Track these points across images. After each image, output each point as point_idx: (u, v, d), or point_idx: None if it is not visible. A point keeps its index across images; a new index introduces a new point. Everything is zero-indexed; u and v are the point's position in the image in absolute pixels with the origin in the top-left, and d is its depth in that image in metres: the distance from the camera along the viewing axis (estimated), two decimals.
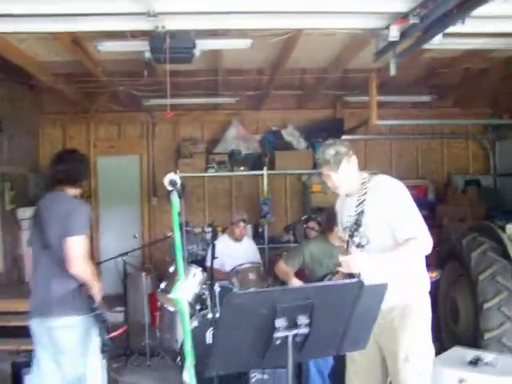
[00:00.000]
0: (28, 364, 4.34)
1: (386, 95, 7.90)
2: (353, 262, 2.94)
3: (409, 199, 3.11)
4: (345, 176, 3.16)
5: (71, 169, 3.77)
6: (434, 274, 4.56)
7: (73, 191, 3.78)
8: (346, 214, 3.28)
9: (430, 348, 3.16)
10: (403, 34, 4.18)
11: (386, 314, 3.09)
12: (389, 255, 3.03)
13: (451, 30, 3.95)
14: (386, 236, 3.08)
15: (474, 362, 2.25)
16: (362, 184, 3.21)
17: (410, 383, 3.04)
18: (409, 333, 3.09)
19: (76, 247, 3.46)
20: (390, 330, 3.13)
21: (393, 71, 4.80)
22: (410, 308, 3.12)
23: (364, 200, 3.14)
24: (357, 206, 3.16)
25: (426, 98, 8.47)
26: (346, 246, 3.05)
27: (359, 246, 3.10)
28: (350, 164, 3.19)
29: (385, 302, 3.01)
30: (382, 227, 3.08)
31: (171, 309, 5.31)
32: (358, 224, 3.11)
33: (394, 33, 4.17)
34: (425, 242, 3.02)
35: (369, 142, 9.08)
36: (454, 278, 5.43)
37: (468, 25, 3.82)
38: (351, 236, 3.11)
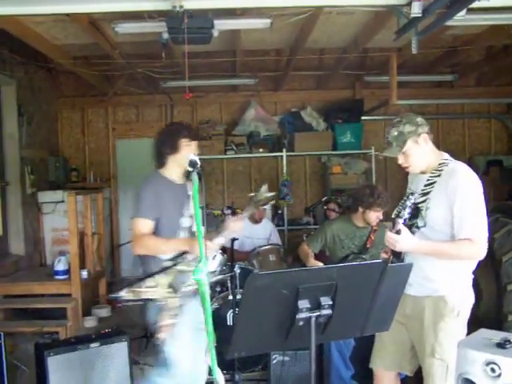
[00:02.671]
0: (51, 345, 4.39)
1: (406, 75, 7.80)
2: (400, 241, 2.82)
3: (479, 198, 2.92)
4: (413, 157, 3.00)
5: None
6: None
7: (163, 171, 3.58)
8: (413, 188, 3.14)
9: None
10: (425, 11, 4.09)
11: (419, 302, 3.04)
12: (439, 247, 2.91)
13: (475, 4, 3.84)
14: (445, 225, 2.92)
15: (502, 344, 2.20)
16: (439, 165, 3.02)
17: (435, 377, 2.97)
18: (438, 329, 2.97)
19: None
20: (419, 321, 3.05)
21: (415, 49, 4.70)
22: (445, 302, 2.98)
23: (435, 182, 2.99)
24: (425, 186, 3.02)
25: (447, 77, 8.35)
26: (392, 224, 2.86)
27: (414, 226, 2.95)
28: (419, 144, 2.99)
29: (421, 289, 2.99)
30: (443, 215, 2.91)
31: None
32: (418, 204, 2.96)
33: (416, 9, 4.08)
34: (479, 248, 2.87)
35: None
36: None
37: None
38: (411, 215, 2.89)
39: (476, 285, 5.19)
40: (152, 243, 3.38)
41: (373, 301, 2.37)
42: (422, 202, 2.98)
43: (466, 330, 3.01)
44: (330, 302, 2.25)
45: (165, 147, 3.49)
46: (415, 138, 2.98)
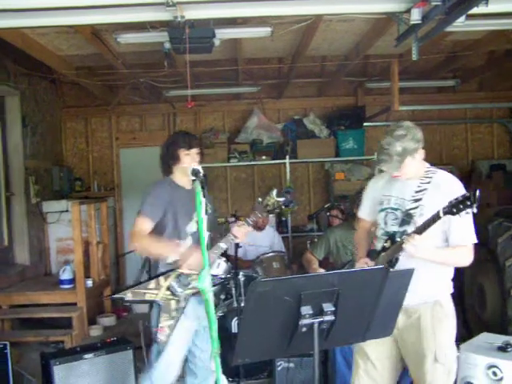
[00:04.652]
0: (57, 354, 4.41)
1: (408, 81, 7.82)
2: (421, 246, 2.83)
3: None
4: (407, 169, 3.00)
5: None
6: None
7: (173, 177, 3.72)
8: (395, 194, 3.14)
9: (455, 347, 3.08)
10: (425, 17, 4.10)
11: (412, 311, 3.04)
12: (445, 254, 2.99)
13: (474, 10, 3.86)
14: (440, 231, 2.95)
15: (504, 348, 2.20)
16: (426, 172, 3.07)
17: (439, 382, 2.96)
18: (438, 333, 3.00)
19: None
20: (417, 329, 3.04)
21: (415, 56, 4.71)
22: (440, 306, 3.03)
23: (426, 189, 3.01)
24: (416, 192, 3.03)
25: (449, 83, 8.34)
26: (420, 229, 2.85)
27: (404, 233, 2.99)
28: (415, 159, 3.00)
29: (415, 297, 2.96)
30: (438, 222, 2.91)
31: None
32: (410, 210, 2.99)
33: (415, 16, 4.08)
34: (471, 253, 2.98)
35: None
36: (481, 263, 5.36)
37: (492, 5, 3.74)
38: (402, 222, 2.99)
39: (480, 289, 5.21)
40: (145, 242, 3.47)
41: (375, 306, 2.38)
42: (415, 208, 3.00)
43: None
44: (333, 308, 2.26)
45: (167, 158, 3.69)
46: (414, 154, 2.99)
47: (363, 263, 3.17)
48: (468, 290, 5.53)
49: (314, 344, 2.29)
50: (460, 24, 4.19)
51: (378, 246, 3.21)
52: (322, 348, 2.42)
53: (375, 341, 2.78)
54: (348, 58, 6.83)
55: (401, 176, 3.06)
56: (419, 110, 8.74)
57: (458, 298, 5.69)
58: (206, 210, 3.55)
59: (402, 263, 2.94)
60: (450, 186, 2.99)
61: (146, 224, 3.51)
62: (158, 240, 3.49)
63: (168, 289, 3.46)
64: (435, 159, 8.87)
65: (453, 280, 3.13)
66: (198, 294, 3.44)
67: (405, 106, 7.21)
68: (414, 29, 4.36)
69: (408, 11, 4.15)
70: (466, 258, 3.00)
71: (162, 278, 3.48)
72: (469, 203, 2.64)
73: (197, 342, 3.67)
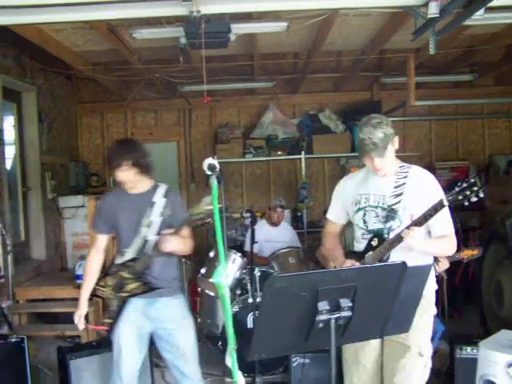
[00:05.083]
0: (73, 349, 4.43)
1: (424, 75, 7.75)
2: (418, 238, 2.84)
3: None
4: (388, 159, 3.03)
5: None
6: (476, 251, 4.47)
7: None
8: (373, 192, 3.14)
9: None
10: (443, 11, 4.05)
11: None
12: (435, 243, 3.02)
13: (493, 3, 3.80)
14: None
15: None
16: (401, 168, 3.12)
17: (418, 377, 3.01)
18: (423, 326, 3.04)
19: None
20: None
21: (432, 50, 4.66)
22: (427, 300, 3.06)
23: (404, 183, 3.05)
24: (395, 188, 3.06)
25: (466, 77, 8.26)
26: (419, 221, 2.85)
27: (390, 229, 3.02)
28: (394, 145, 3.05)
29: None
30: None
31: (212, 294, 5.34)
32: (393, 205, 3.02)
33: (433, 9, 4.03)
34: (455, 242, 3.05)
35: (408, 124, 8.92)
36: (499, 260, 5.31)
37: None
38: (386, 218, 3.02)
39: (498, 286, 5.16)
40: (85, 265, 3.80)
41: (392, 302, 2.36)
42: (397, 203, 3.03)
43: None
44: (350, 304, 2.25)
45: None
46: (393, 139, 3.02)
47: (350, 265, 3.13)
48: (486, 287, 5.48)
49: (330, 340, 2.27)
50: (479, 17, 4.13)
51: (360, 246, 3.19)
52: (339, 344, 2.41)
53: (364, 345, 2.87)
54: (364, 52, 6.79)
55: (381, 169, 3.05)
56: (435, 105, 8.67)
57: (475, 295, 5.66)
58: (162, 212, 3.57)
59: (395, 259, 2.95)
60: (427, 180, 3.08)
61: (97, 239, 3.78)
62: (87, 277, 3.70)
63: (112, 289, 3.57)
64: (451, 154, 8.80)
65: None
66: (143, 295, 3.51)
67: (421, 101, 7.13)
68: (431, 23, 4.30)
69: (425, 5, 4.10)
70: (453, 247, 3.07)
71: (108, 278, 3.62)
72: (476, 188, 2.65)
73: (162, 344, 3.66)
